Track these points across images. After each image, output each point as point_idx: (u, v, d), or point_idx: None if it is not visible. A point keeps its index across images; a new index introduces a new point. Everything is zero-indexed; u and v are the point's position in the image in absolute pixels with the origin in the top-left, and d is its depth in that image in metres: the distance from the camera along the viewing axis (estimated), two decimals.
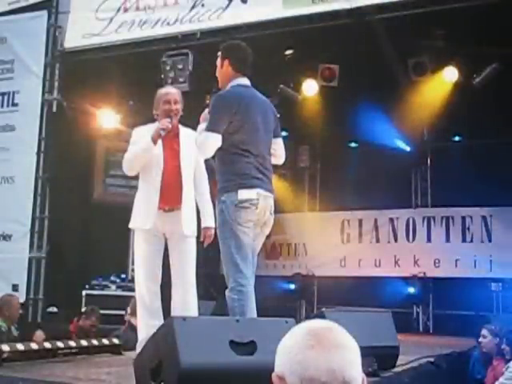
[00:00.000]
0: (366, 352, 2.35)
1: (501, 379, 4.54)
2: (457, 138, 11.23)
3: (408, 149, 11.24)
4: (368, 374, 3.10)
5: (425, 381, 4.78)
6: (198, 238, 4.40)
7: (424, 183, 11.35)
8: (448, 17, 7.35)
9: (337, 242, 11.74)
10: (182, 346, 2.67)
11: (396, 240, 11.27)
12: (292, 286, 11.88)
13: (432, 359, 5.27)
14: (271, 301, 10.10)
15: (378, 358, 3.92)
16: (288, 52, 9.13)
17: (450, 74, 8.93)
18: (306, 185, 12.53)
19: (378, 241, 11.44)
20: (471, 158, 10.37)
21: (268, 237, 4.04)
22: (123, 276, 9.60)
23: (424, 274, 10.68)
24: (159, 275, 4.31)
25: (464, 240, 10.72)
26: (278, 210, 4.26)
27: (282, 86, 9.49)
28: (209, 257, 8.76)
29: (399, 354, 4.36)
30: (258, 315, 3.69)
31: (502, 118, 9.23)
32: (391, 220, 11.21)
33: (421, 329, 10.71)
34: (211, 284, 10.25)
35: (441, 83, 9.07)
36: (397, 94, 9.29)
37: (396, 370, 4.32)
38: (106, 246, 9.61)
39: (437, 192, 11.09)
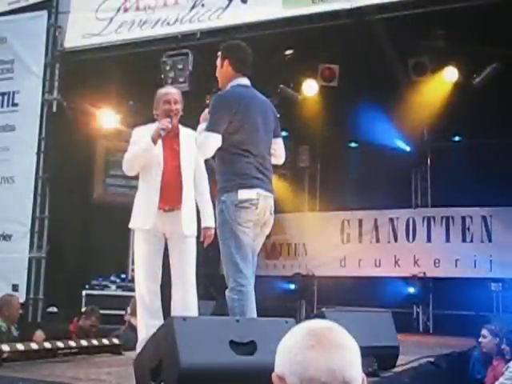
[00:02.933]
0: (366, 352, 2.33)
1: (501, 379, 4.55)
2: (457, 138, 11.23)
3: (408, 149, 11.24)
4: (368, 374, 3.11)
5: (425, 381, 4.78)
6: (197, 238, 4.40)
7: (424, 183, 11.35)
8: (448, 17, 7.35)
9: (337, 242, 11.74)
10: (182, 346, 2.66)
11: (396, 240, 11.27)
12: (292, 286, 11.88)
13: (432, 359, 5.27)
14: (271, 301, 10.13)
15: (378, 358, 3.92)
16: (288, 52, 9.14)
17: (450, 74, 8.93)
18: (305, 185, 12.53)
19: (378, 241, 11.44)
20: (471, 157, 10.35)
21: (268, 237, 4.04)
22: (123, 276, 9.60)
23: (424, 274, 10.67)
24: (159, 275, 4.30)
25: (464, 240, 10.72)
26: (278, 210, 4.26)
27: (282, 86, 9.49)
28: (209, 257, 8.75)
29: (399, 354, 4.35)
30: (258, 315, 3.68)
31: (501, 118, 9.22)
32: (391, 220, 11.21)
33: (421, 329, 10.70)
34: (211, 284, 10.24)
35: (441, 83, 9.07)
36: (397, 94, 9.30)
37: (396, 370, 4.32)
38: (106, 245, 9.60)
39: (437, 192, 11.09)
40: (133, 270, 5.51)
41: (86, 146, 9.95)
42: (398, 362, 4.45)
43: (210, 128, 3.71)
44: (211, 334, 2.84)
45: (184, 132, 4.42)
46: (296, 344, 1.25)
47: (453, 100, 9.14)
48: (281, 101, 9.05)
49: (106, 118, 9.66)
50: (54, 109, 8.93)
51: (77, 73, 8.84)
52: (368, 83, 9.08)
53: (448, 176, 10.51)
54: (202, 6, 8.03)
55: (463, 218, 10.74)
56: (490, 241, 10.51)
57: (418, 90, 9.14)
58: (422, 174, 11.40)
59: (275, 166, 4.05)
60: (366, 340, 3.60)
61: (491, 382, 5.32)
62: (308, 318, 6.49)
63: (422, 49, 8.71)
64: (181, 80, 8.40)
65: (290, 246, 12.14)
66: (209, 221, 4.35)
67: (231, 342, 2.81)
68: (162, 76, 8.35)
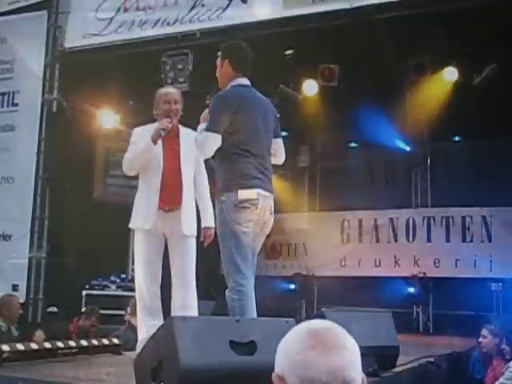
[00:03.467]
0: (366, 352, 2.30)
1: (501, 379, 4.55)
2: (457, 138, 11.21)
3: (408, 149, 11.21)
4: (368, 374, 3.03)
5: (425, 381, 4.77)
6: (197, 237, 4.40)
7: (424, 183, 11.28)
8: (448, 17, 7.33)
9: (337, 242, 11.72)
10: (181, 346, 2.65)
11: (396, 240, 11.23)
12: (292, 286, 11.87)
13: (432, 359, 5.26)
14: (271, 301, 10.05)
15: (378, 358, 3.89)
16: (288, 52, 9.11)
17: (450, 74, 8.91)
18: (305, 185, 12.52)
19: (377, 241, 11.41)
20: (471, 157, 10.34)
21: (268, 237, 4.03)
22: (123, 276, 9.61)
23: (424, 273, 10.61)
24: (159, 275, 4.30)
25: (464, 240, 10.65)
26: (278, 210, 4.26)
27: (282, 86, 9.47)
28: (209, 257, 8.70)
29: (399, 353, 4.35)
30: (258, 315, 3.67)
31: (501, 118, 9.19)
32: (391, 220, 11.17)
33: (421, 329, 10.65)
34: (211, 284, 10.23)
35: (441, 83, 9.05)
36: (397, 94, 9.30)
37: (396, 369, 4.31)
38: (106, 245, 9.56)
39: (437, 192, 11.03)
40: (133, 270, 5.52)
41: (86, 145, 9.90)
42: (398, 362, 4.41)
43: (210, 128, 3.70)
44: (211, 333, 2.84)
45: (184, 132, 4.42)
46: (296, 344, 1.25)
47: (453, 100, 9.08)
48: (281, 101, 9.01)
49: (106, 117, 9.66)
50: (54, 109, 8.96)
51: (77, 73, 8.83)
52: (368, 83, 9.07)
53: (448, 176, 10.50)
54: (202, 5, 8.03)
55: (463, 218, 10.67)
56: (490, 241, 10.45)
57: (418, 89, 9.12)
58: (422, 174, 11.32)
59: (275, 166, 4.04)
60: (366, 340, 3.54)
61: (491, 382, 5.31)
62: (308, 318, 6.48)
63: (422, 49, 8.69)
64: (181, 80, 8.42)
65: (290, 246, 12.14)
66: (209, 221, 4.34)
67: (231, 342, 2.80)
68: (162, 76, 8.35)
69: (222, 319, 3.38)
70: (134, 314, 5.03)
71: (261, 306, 3.72)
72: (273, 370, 1.28)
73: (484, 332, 6.04)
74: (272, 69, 8.71)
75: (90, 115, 9.44)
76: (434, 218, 10.96)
